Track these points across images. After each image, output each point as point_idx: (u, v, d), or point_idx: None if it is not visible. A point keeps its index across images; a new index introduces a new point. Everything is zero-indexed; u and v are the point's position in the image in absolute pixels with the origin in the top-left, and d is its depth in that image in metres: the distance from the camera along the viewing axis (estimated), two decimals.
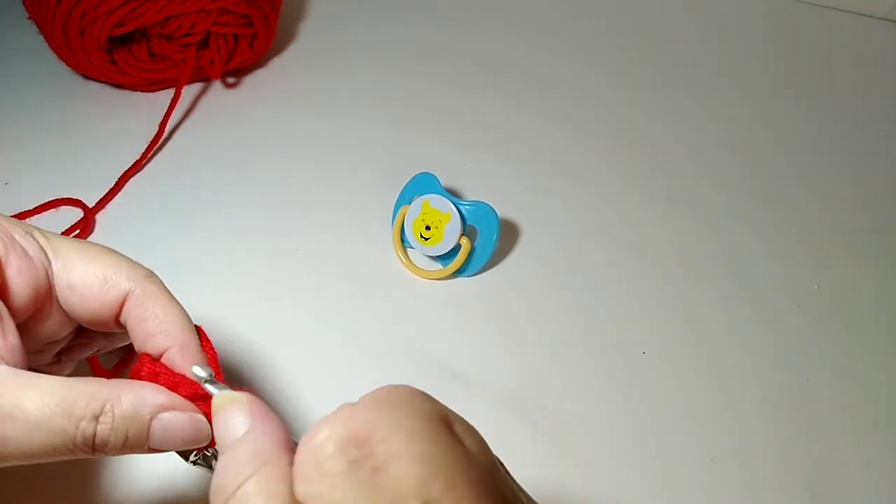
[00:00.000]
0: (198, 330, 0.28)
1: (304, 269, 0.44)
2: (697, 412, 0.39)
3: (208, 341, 0.28)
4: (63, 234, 0.28)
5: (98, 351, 0.31)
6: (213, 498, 0.21)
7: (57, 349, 0.29)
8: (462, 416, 0.22)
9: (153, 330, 0.26)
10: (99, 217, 0.45)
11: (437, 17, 0.63)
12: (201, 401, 0.25)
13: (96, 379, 0.24)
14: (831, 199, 0.52)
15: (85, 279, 0.26)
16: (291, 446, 0.22)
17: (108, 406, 0.23)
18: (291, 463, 0.21)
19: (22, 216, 0.43)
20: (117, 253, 0.27)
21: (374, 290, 0.43)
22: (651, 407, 0.39)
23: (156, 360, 0.26)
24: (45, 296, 0.26)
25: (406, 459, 0.19)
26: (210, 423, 0.25)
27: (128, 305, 0.26)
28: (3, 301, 0.24)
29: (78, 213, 0.44)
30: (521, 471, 0.37)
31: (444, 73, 0.57)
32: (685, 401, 0.40)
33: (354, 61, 0.58)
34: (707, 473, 0.37)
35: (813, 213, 0.51)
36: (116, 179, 0.46)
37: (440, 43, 0.60)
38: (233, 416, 0.23)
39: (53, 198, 0.44)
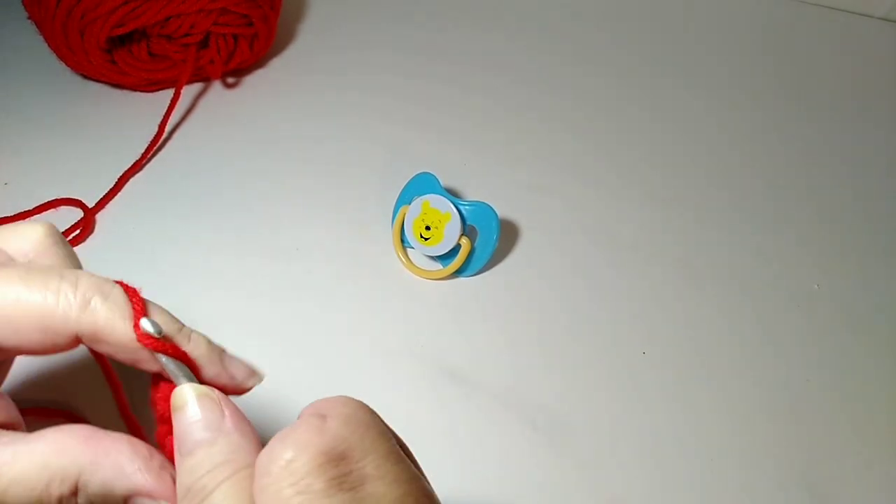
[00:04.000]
0: (121, 286, 0.24)
1: (303, 269, 0.44)
2: (697, 412, 0.39)
3: (134, 293, 0.24)
4: (63, 234, 0.27)
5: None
6: (182, 498, 0.21)
7: None
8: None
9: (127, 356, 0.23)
10: (99, 217, 0.45)
11: (437, 18, 0.62)
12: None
13: (78, 442, 0.22)
14: (831, 198, 0.52)
15: (24, 340, 0.22)
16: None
17: (81, 482, 0.22)
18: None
19: (22, 216, 0.43)
20: (43, 281, 0.22)
21: (374, 290, 0.43)
22: (651, 407, 0.39)
23: (166, 380, 0.23)
24: None
25: (381, 481, 0.20)
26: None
27: (85, 342, 0.23)
28: None
29: (78, 213, 0.44)
30: (521, 470, 0.37)
31: (444, 73, 0.57)
32: (685, 401, 0.40)
33: (354, 61, 0.58)
34: (707, 473, 0.37)
35: (813, 213, 0.51)
36: (116, 179, 0.46)
37: (440, 43, 0.60)
38: (209, 411, 0.22)
39: (53, 198, 0.44)
